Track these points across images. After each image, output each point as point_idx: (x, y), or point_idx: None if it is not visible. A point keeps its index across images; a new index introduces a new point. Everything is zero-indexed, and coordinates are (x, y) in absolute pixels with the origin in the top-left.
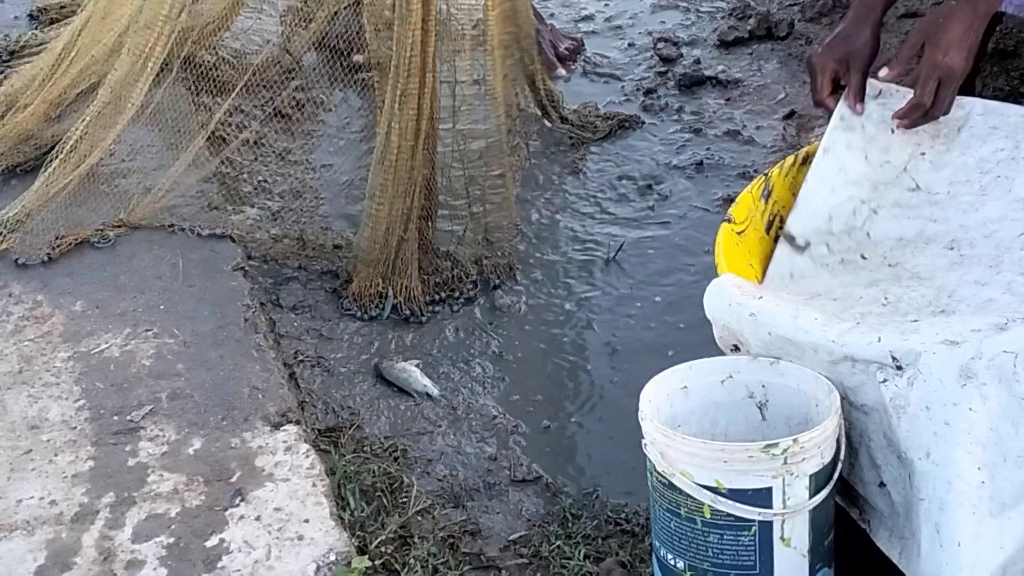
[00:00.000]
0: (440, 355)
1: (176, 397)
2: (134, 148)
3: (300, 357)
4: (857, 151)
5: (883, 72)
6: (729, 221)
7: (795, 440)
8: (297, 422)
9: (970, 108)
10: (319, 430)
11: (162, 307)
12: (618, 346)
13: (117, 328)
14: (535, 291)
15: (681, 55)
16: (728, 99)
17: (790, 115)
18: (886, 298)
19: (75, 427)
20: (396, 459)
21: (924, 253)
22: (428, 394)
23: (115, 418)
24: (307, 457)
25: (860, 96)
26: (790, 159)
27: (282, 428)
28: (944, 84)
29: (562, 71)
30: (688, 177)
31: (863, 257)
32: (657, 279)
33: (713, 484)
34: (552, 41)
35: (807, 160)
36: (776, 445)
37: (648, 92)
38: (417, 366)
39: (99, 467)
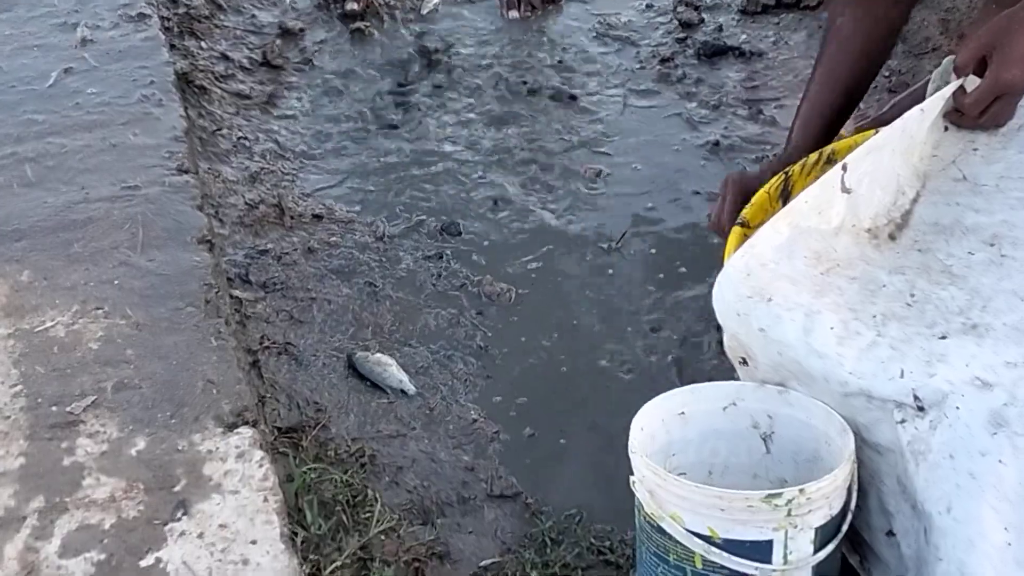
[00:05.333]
0: (419, 345)
1: (122, 388)
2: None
3: (266, 343)
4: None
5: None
6: (742, 225)
7: (801, 491)
8: (254, 423)
9: None
10: (280, 428)
11: (116, 282)
12: (616, 347)
13: (65, 304)
14: (529, 279)
15: (703, 20)
16: (750, 73)
17: None
18: (912, 294)
19: (8, 416)
20: (363, 465)
21: (960, 243)
22: (403, 391)
23: (53, 408)
24: (260, 467)
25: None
26: (813, 156)
27: (236, 430)
28: (1006, 100)
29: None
30: (703, 159)
31: (891, 238)
32: (663, 273)
33: (707, 532)
34: None
35: (832, 158)
36: (780, 495)
37: (664, 60)
38: (392, 358)
39: (31, 465)
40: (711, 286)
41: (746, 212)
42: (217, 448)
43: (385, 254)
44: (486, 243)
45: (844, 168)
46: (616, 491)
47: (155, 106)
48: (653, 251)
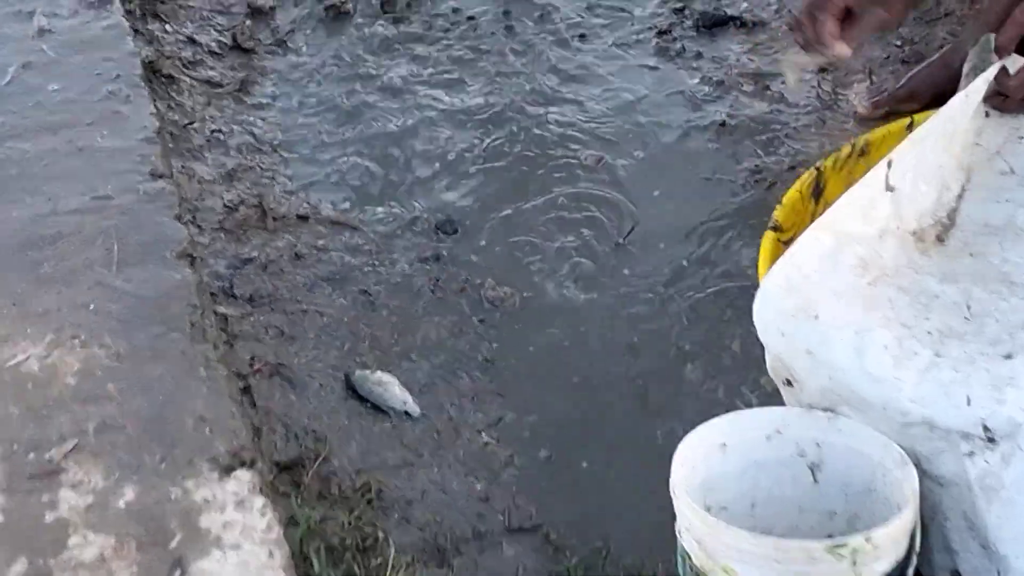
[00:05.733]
0: (420, 359)
1: (105, 429)
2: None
3: (257, 364)
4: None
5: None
6: (775, 229)
7: (868, 539)
8: (251, 463)
9: None
10: (278, 464)
11: (92, 306)
12: (629, 355)
13: (37, 333)
14: (532, 281)
15: None
16: (754, 45)
17: (824, 68)
18: (969, 306)
19: None
20: (370, 502)
21: (1016, 246)
22: (407, 413)
23: (31, 456)
24: (263, 516)
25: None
26: (846, 149)
27: (233, 474)
28: None
29: None
30: (708, 141)
31: (939, 240)
32: (675, 270)
33: None
34: None
35: (865, 151)
36: (844, 545)
37: (662, 33)
38: (393, 376)
39: (10, 523)
40: (727, 281)
41: (777, 214)
42: (214, 496)
43: (377, 257)
44: (484, 242)
45: (889, 164)
46: (645, 519)
47: (123, 103)
48: (662, 245)
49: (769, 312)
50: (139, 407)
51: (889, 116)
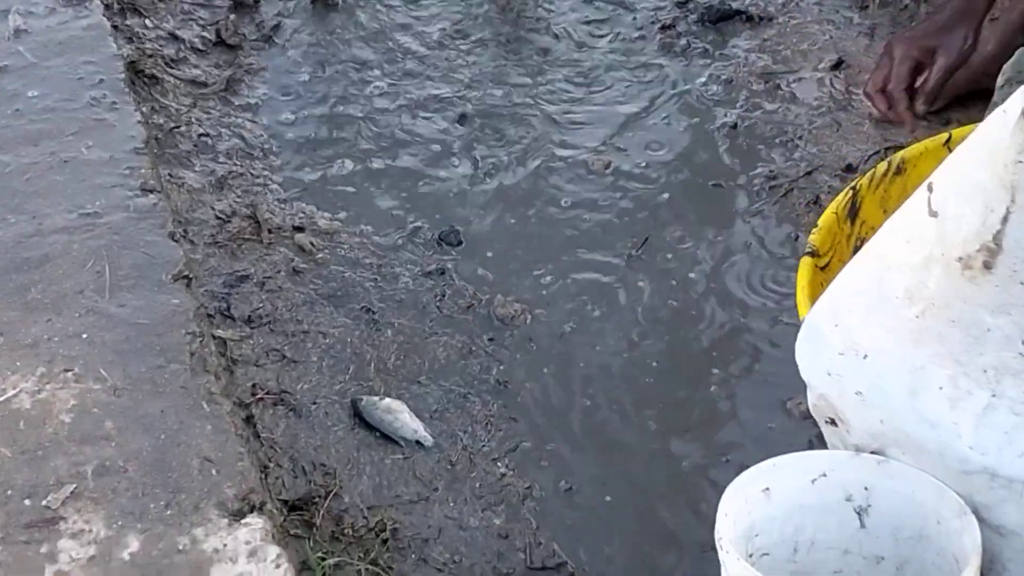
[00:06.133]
0: (430, 383)
1: (105, 472)
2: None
3: (259, 392)
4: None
5: None
6: (812, 255)
7: None
8: (261, 506)
9: None
10: (286, 502)
11: (85, 336)
12: (647, 377)
13: (28, 367)
14: (542, 295)
15: None
16: (761, 41)
17: (837, 64)
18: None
19: None
20: (385, 542)
21: None
22: (419, 442)
23: (27, 503)
24: (277, 567)
25: (932, 99)
26: (881, 166)
27: (243, 520)
28: None
29: None
30: (720, 145)
31: (987, 267)
32: (691, 285)
33: None
34: None
35: (901, 168)
36: None
37: (665, 28)
38: (402, 403)
39: None
40: (750, 297)
41: (814, 238)
42: (224, 546)
43: (379, 271)
44: (490, 253)
45: (929, 188)
46: (676, 557)
47: (108, 110)
48: (677, 258)
49: (814, 351)
50: (140, 447)
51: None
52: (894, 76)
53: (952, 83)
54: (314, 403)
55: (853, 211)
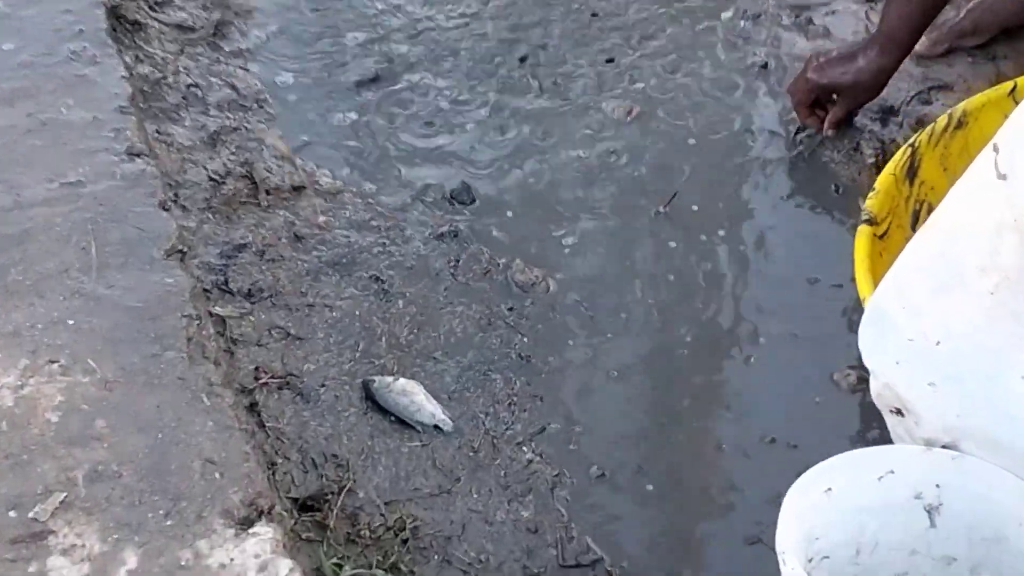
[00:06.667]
0: (446, 359)
1: (97, 478)
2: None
3: (263, 376)
4: None
5: None
6: (870, 222)
7: None
8: (270, 511)
9: None
10: (297, 501)
11: (71, 322)
12: (687, 344)
13: (9, 358)
14: (563, 260)
15: None
16: None
17: None
18: None
19: None
20: (404, 542)
21: None
22: (437, 427)
23: (12, 515)
24: None
25: (836, 126)
26: (942, 120)
27: (251, 529)
28: None
29: None
30: (751, 87)
31: None
32: (727, 244)
33: None
34: None
35: (962, 122)
36: None
37: None
38: (417, 383)
39: None
40: (788, 261)
41: (871, 203)
42: (232, 560)
43: (387, 235)
44: (509, 213)
45: (995, 149)
46: (720, 551)
47: (88, 64)
48: (705, 213)
49: (879, 336)
50: (135, 449)
51: (951, 52)
52: (797, 108)
53: (995, 16)
54: (322, 385)
55: (912, 171)
